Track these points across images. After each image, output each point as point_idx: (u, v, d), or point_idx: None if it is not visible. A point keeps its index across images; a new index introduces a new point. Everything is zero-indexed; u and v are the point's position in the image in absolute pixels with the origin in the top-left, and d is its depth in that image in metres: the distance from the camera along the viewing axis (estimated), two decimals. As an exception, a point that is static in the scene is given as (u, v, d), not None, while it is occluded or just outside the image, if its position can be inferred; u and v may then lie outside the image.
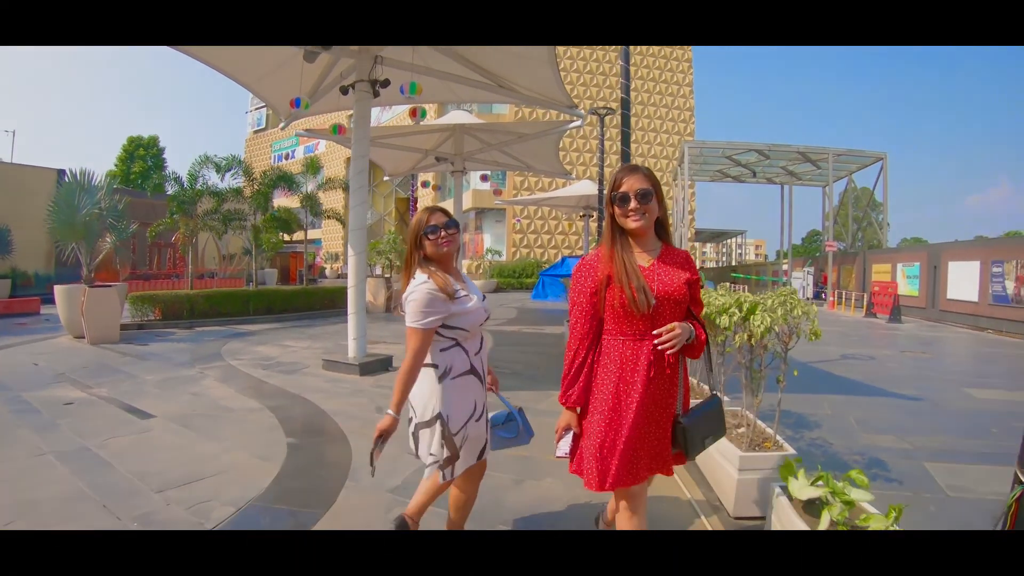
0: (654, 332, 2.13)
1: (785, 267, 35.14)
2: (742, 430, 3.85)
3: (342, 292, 15.94)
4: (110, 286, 10.59)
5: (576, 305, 2.24)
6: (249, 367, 7.84)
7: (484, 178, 14.00)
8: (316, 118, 11.86)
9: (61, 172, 25.46)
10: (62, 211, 10.60)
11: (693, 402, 2.43)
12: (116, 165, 46.95)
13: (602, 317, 2.22)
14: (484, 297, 2.69)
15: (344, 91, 7.67)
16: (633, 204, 2.16)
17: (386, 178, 15.35)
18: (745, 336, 3.27)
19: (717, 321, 3.41)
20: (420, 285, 2.42)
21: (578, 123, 10.51)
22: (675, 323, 2.14)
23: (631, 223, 2.17)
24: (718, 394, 2.53)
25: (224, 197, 14.76)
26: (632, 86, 39.03)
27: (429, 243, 2.50)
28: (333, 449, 4.52)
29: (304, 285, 17.79)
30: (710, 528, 3.29)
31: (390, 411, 2.33)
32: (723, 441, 3.62)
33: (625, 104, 6.82)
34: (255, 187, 14.84)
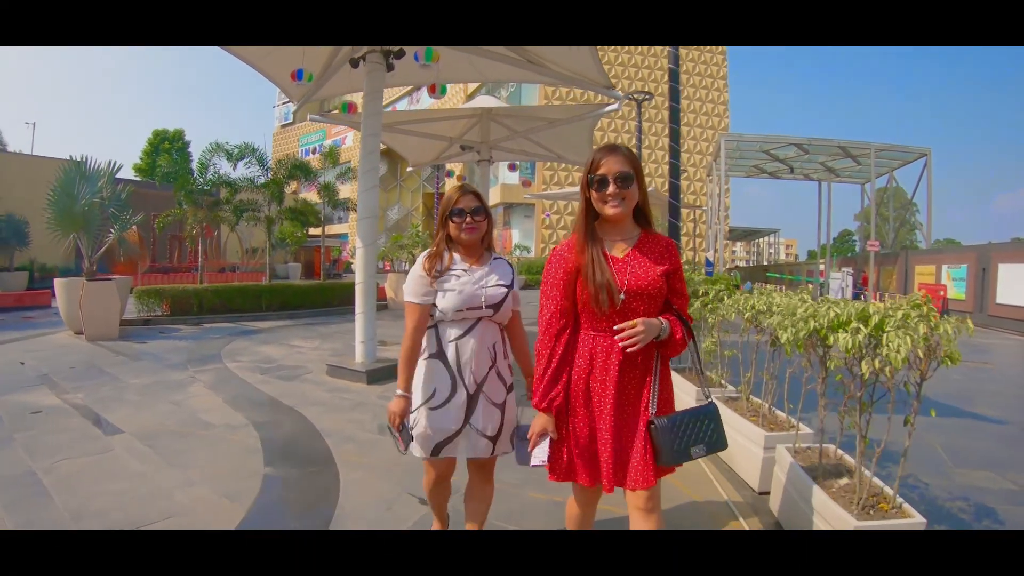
0: (615, 328, 2.00)
1: (821, 267, 34.32)
2: (844, 481, 2.93)
3: (361, 288, 15.21)
4: (110, 279, 9.95)
5: (549, 299, 2.11)
6: (246, 371, 7.06)
7: (512, 167, 12.95)
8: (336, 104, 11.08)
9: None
10: (60, 200, 9.97)
11: (689, 405, 2.18)
12: (141, 158, 46.89)
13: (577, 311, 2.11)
14: (507, 287, 2.44)
15: (354, 64, 6.84)
16: (612, 188, 2.01)
17: (409, 169, 14.49)
18: (875, 364, 2.32)
19: (831, 340, 2.47)
20: (417, 261, 2.43)
21: (615, 106, 9.56)
22: (639, 319, 1.98)
23: (608, 209, 2.03)
24: (714, 401, 2.18)
25: (237, 187, 14.01)
26: (664, 78, 37.80)
27: (453, 225, 2.40)
28: (317, 486, 3.67)
29: (321, 280, 16.90)
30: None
31: (398, 391, 2.36)
32: (826, 500, 2.71)
33: (674, 75, 5.89)
34: (269, 176, 14.01)
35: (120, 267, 23.15)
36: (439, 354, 2.39)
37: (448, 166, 14.89)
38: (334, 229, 54.61)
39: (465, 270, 2.38)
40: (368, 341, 6.58)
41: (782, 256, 76.28)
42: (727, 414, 4.10)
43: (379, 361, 6.79)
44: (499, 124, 11.81)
